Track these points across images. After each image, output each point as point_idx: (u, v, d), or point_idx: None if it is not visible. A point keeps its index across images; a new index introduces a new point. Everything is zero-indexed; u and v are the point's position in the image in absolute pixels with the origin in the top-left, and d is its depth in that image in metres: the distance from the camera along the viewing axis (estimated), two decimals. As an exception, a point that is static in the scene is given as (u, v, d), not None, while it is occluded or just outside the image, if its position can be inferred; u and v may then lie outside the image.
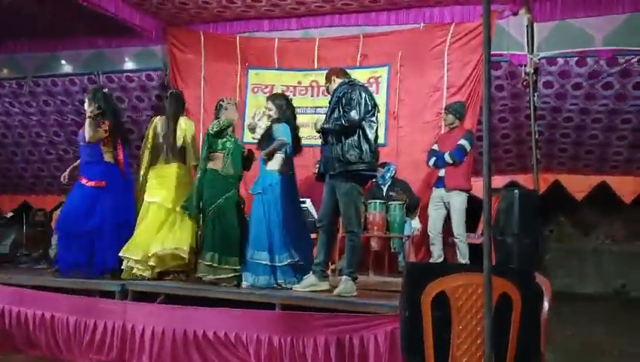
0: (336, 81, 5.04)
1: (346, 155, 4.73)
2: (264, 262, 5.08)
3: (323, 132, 4.98)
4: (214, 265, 5.19)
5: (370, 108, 4.82)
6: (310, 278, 4.92)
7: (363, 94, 4.81)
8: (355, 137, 4.75)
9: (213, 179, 5.40)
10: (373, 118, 4.88)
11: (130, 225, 5.67)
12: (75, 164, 6.15)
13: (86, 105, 5.78)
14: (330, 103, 5.02)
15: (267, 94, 7.49)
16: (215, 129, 5.44)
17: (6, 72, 8.91)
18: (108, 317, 4.89)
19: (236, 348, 4.44)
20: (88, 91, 5.98)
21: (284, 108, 5.41)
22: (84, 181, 5.73)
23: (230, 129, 5.58)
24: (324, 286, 4.91)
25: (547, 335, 3.23)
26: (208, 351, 4.52)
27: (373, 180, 6.58)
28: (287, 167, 5.35)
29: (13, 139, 9.61)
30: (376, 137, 4.93)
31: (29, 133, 9.45)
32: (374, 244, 6.50)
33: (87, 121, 5.69)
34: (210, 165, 5.45)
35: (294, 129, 5.45)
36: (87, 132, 5.69)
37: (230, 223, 5.31)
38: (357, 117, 4.71)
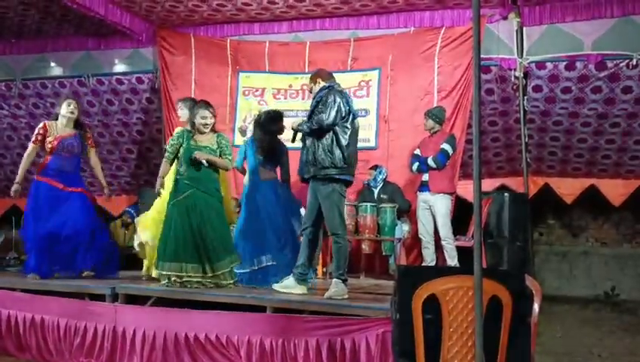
0: (320, 84, 5.02)
1: (318, 159, 4.75)
2: None
3: (295, 132, 5.02)
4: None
5: (344, 113, 4.78)
6: (289, 280, 4.92)
7: (338, 99, 4.76)
8: (329, 142, 4.75)
9: (174, 182, 5.37)
10: (347, 124, 4.81)
11: None
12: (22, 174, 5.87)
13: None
14: (310, 106, 5.04)
15: (258, 97, 7.57)
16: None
17: (-6, 73, 8.87)
18: (98, 320, 4.85)
19: (227, 351, 4.43)
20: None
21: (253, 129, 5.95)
22: (69, 188, 5.71)
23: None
24: (301, 289, 4.88)
25: (537, 338, 3.24)
26: (199, 353, 4.50)
27: (365, 182, 6.61)
28: (266, 174, 5.79)
29: (2, 141, 9.56)
30: (349, 144, 4.80)
31: (19, 136, 9.39)
32: (366, 247, 6.53)
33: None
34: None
35: (267, 142, 5.75)
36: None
37: (171, 226, 5.16)
38: (326, 120, 4.69)
